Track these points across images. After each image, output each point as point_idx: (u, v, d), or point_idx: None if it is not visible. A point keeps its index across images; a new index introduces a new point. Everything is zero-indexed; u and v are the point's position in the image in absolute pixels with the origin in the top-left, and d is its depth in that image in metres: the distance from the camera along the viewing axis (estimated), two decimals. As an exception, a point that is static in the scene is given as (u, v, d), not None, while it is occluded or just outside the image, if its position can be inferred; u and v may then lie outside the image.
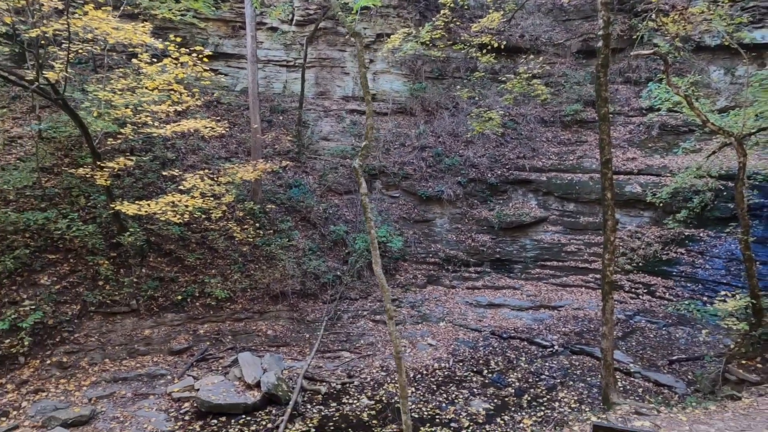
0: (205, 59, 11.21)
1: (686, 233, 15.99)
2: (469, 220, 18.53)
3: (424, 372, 12.50)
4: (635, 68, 19.78)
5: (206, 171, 13.96)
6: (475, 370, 12.53)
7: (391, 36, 11.73)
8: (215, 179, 13.58)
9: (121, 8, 13.69)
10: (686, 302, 13.84)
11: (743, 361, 9.47)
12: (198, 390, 10.53)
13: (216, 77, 17.98)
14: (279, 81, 20.20)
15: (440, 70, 20.64)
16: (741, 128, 9.81)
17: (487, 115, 12.04)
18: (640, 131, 19.01)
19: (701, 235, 15.81)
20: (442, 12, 10.86)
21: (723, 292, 11.48)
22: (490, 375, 12.25)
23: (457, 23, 12.85)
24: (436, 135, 19.66)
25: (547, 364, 12.73)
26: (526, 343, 14.07)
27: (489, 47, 11.37)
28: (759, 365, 9.22)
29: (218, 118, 16.57)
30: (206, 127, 12.49)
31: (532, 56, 14.46)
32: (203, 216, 14.17)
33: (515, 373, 12.28)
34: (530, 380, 11.90)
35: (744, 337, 9.68)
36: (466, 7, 13.45)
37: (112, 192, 12.55)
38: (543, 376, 12.05)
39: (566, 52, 20.76)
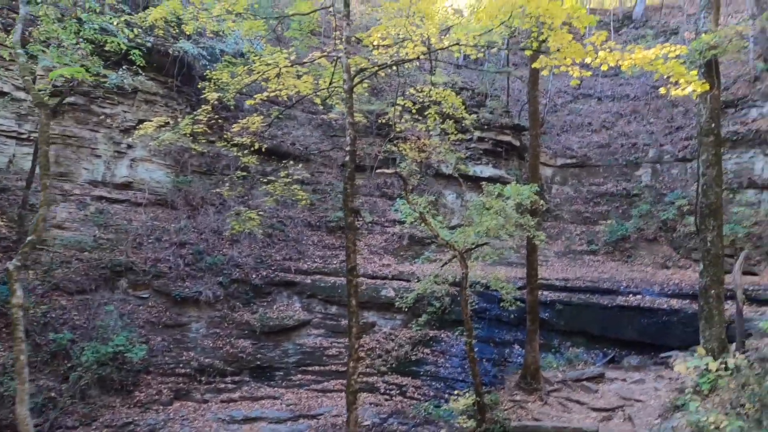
0: None
1: (431, 334, 17.63)
2: (230, 324, 17.25)
3: None
4: (390, 185, 22.40)
5: None
6: (218, 503, 10.83)
7: (145, 123, 10.85)
8: None
9: None
10: (427, 403, 14.81)
11: (473, 458, 10.23)
12: None
13: None
14: (4, 154, 16.73)
15: (209, 165, 20.01)
16: (463, 244, 11.50)
17: (247, 214, 11.75)
18: (394, 240, 21.12)
19: (442, 336, 17.61)
20: (203, 108, 10.58)
21: (457, 391, 12.63)
22: (235, 507, 10.71)
23: (221, 121, 12.73)
24: (198, 231, 18.45)
25: (300, 483, 11.81)
26: (280, 461, 12.98)
27: (252, 148, 11.39)
28: (484, 460, 10.04)
29: None
30: None
31: (292, 162, 15.05)
32: None
33: (265, 500, 11.00)
34: (281, 507, 10.77)
35: (473, 434, 10.57)
36: (233, 107, 13.49)
37: None
38: (295, 500, 11.05)
39: (333, 164, 22.47)
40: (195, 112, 11.28)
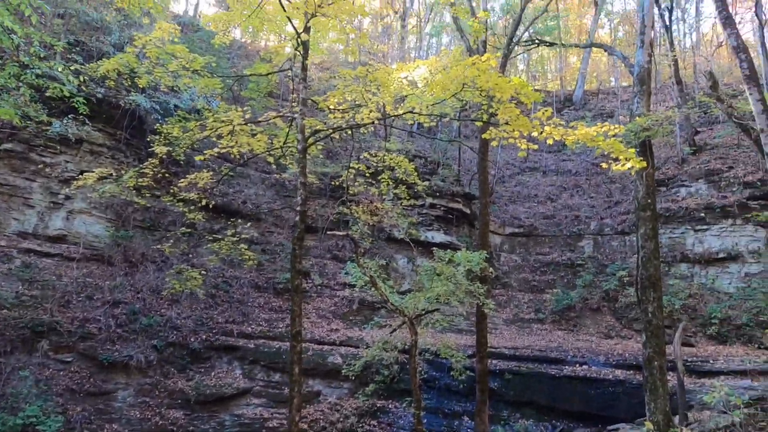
0: None
1: (378, 404, 16.87)
2: (162, 392, 15.89)
3: None
4: (341, 247, 22.17)
5: None
6: None
7: (86, 173, 10.34)
8: None
9: None
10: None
11: None
12: None
13: None
14: (-77, 200, 15.47)
15: (153, 221, 19.21)
16: (413, 309, 11.30)
17: (189, 273, 11.17)
18: (344, 304, 20.62)
19: (390, 406, 16.88)
20: (150, 160, 10.25)
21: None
22: None
23: (168, 176, 12.35)
24: (135, 290, 17.35)
25: None
26: None
27: (199, 204, 11.03)
28: None
29: None
30: None
31: (240, 220, 14.68)
32: None
33: None
34: None
35: None
36: (182, 162, 13.20)
37: None
38: None
39: (284, 224, 22.14)
40: (141, 165, 10.92)
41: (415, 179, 12.40)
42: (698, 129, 25.38)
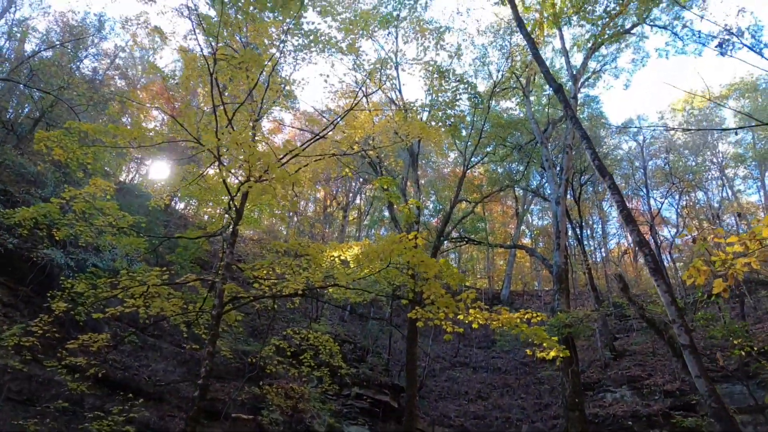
0: None
1: None
2: None
3: None
4: (252, 439, 19.45)
5: None
6: None
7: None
8: None
9: None
10: None
11: None
12: None
13: None
14: None
15: (33, 393, 16.33)
16: None
17: (50, 461, 9.07)
18: None
19: None
20: (40, 317, 9.09)
21: None
22: None
23: (58, 336, 10.90)
24: (-22, 484, 13.81)
25: None
26: None
27: (88, 373, 9.56)
28: None
29: None
30: None
31: (131, 395, 12.79)
32: None
33: None
34: None
35: None
36: (81, 323, 11.84)
37: None
38: None
39: (190, 407, 19.51)
40: (29, 323, 9.66)
41: (339, 361, 11.64)
42: (616, 335, 26.57)
